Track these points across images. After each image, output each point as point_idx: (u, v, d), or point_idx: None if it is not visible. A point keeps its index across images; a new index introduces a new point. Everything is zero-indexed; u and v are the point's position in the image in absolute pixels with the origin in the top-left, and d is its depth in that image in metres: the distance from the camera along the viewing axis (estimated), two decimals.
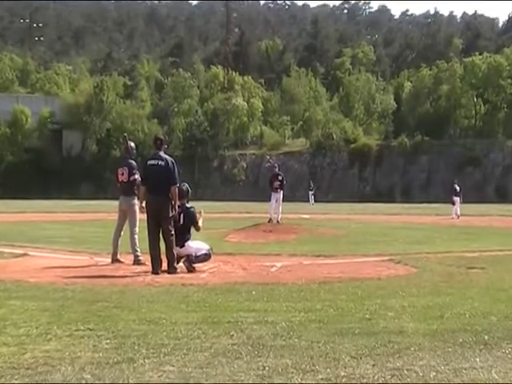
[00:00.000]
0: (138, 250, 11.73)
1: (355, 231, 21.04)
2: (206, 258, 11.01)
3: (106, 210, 31.41)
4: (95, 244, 15.21)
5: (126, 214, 12.09)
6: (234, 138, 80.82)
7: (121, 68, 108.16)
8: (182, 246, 10.80)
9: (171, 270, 10.47)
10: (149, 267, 10.70)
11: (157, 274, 10.30)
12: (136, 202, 11.86)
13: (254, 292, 8.32)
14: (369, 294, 8.32)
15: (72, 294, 8.15)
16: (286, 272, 10.73)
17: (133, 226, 11.99)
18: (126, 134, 13.06)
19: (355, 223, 25.84)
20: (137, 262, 11.61)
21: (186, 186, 11.42)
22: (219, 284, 9.11)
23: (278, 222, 21.84)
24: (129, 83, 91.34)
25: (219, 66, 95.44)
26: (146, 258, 11.26)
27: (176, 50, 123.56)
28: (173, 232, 10.63)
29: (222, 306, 7.35)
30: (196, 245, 10.98)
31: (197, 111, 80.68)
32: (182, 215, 10.98)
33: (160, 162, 10.65)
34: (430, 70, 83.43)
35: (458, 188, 33.97)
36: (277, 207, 22.59)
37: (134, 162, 12.12)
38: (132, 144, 12.46)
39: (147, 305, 7.43)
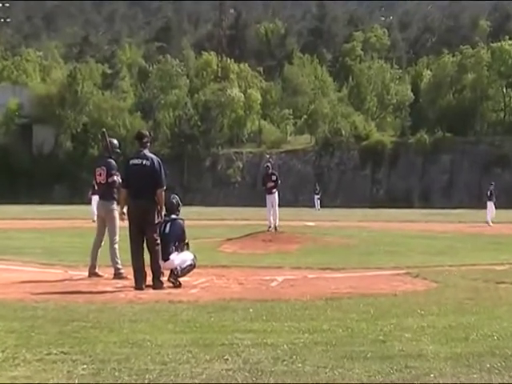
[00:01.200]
0: (119, 261, 11.71)
1: (367, 240, 21.06)
2: (191, 268, 11.11)
3: (83, 217, 31.44)
4: (70, 255, 15.21)
5: (104, 221, 12.06)
6: (228, 135, 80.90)
7: (99, 54, 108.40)
8: (167, 259, 10.81)
9: (157, 284, 10.47)
10: (131, 281, 10.70)
11: (140, 289, 10.30)
12: (115, 207, 11.85)
13: (251, 310, 8.32)
14: (382, 312, 8.32)
15: (43, 312, 8.14)
16: (289, 287, 10.75)
17: (112, 234, 11.96)
18: (104, 130, 13.02)
19: (367, 231, 25.87)
20: (118, 275, 11.60)
21: (176, 198, 11.45)
22: (212, 301, 9.11)
23: (275, 228, 21.71)
24: (108, 71, 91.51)
25: (212, 52, 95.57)
26: (128, 271, 11.25)
27: (162, 34, 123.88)
28: (158, 241, 10.65)
29: (215, 326, 7.35)
30: (180, 256, 11.01)
31: (186, 104, 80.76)
32: (168, 224, 11.00)
33: (145, 162, 10.64)
34: (453, 56, 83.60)
35: (489, 191, 34.07)
36: (273, 212, 22.34)
37: (113, 162, 12.05)
38: (114, 141, 12.37)
39: (129, 325, 7.43)
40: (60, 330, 7.12)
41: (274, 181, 22.41)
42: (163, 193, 10.64)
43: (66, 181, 72.24)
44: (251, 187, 71.80)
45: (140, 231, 10.60)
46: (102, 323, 7.48)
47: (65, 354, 6.11)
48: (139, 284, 10.42)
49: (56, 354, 6.11)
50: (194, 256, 11.25)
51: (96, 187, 12.22)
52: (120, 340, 6.63)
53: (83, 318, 7.78)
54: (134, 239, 10.66)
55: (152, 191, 10.53)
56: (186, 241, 11.28)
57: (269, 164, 24.01)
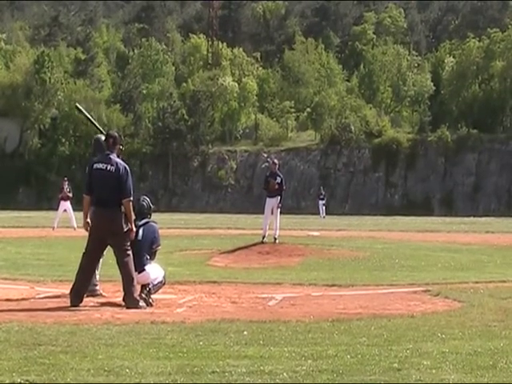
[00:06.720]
0: (97, 277, 11.74)
1: (380, 253, 21.06)
2: (161, 286, 11.21)
3: (51, 225, 31.36)
4: (37, 269, 15.19)
5: None
6: (220, 130, 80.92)
7: (71, 37, 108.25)
8: (141, 270, 10.82)
9: (130, 302, 10.45)
10: (108, 299, 10.72)
11: (76, 306, 10.41)
12: None
13: (246, 333, 8.33)
14: (397, 336, 8.35)
15: (6, 335, 8.13)
16: (289, 306, 10.78)
17: None
18: (77, 105, 13.01)
19: (380, 243, 25.88)
20: (91, 292, 11.60)
21: (146, 200, 11.48)
22: (200, 322, 9.12)
23: (274, 239, 21.62)
24: (81, 57, 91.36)
25: (201, 35, 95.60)
26: (104, 288, 11.25)
27: (144, 14, 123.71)
28: (130, 252, 10.65)
29: (205, 352, 7.35)
30: (153, 270, 11.03)
31: (171, 94, 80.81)
32: (140, 229, 11.02)
33: (109, 167, 10.68)
34: (479, 41, 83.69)
35: None
36: (273, 219, 22.02)
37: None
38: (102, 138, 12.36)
39: (105, 349, 7.42)
40: (25, 355, 7.11)
41: (278, 183, 21.52)
42: (131, 204, 10.63)
43: (32, 183, 72.19)
44: (246, 191, 71.91)
45: (101, 244, 10.74)
46: (74, 348, 7.48)
47: (30, 382, 6.09)
48: (74, 302, 10.48)
49: (20, 382, 6.10)
50: (165, 271, 11.33)
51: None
52: (94, 367, 6.62)
53: (52, 341, 7.77)
54: (90, 252, 10.75)
55: (117, 200, 10.59)
56: (159, 248, 11.31)
57: (275, 161, 23.35)
